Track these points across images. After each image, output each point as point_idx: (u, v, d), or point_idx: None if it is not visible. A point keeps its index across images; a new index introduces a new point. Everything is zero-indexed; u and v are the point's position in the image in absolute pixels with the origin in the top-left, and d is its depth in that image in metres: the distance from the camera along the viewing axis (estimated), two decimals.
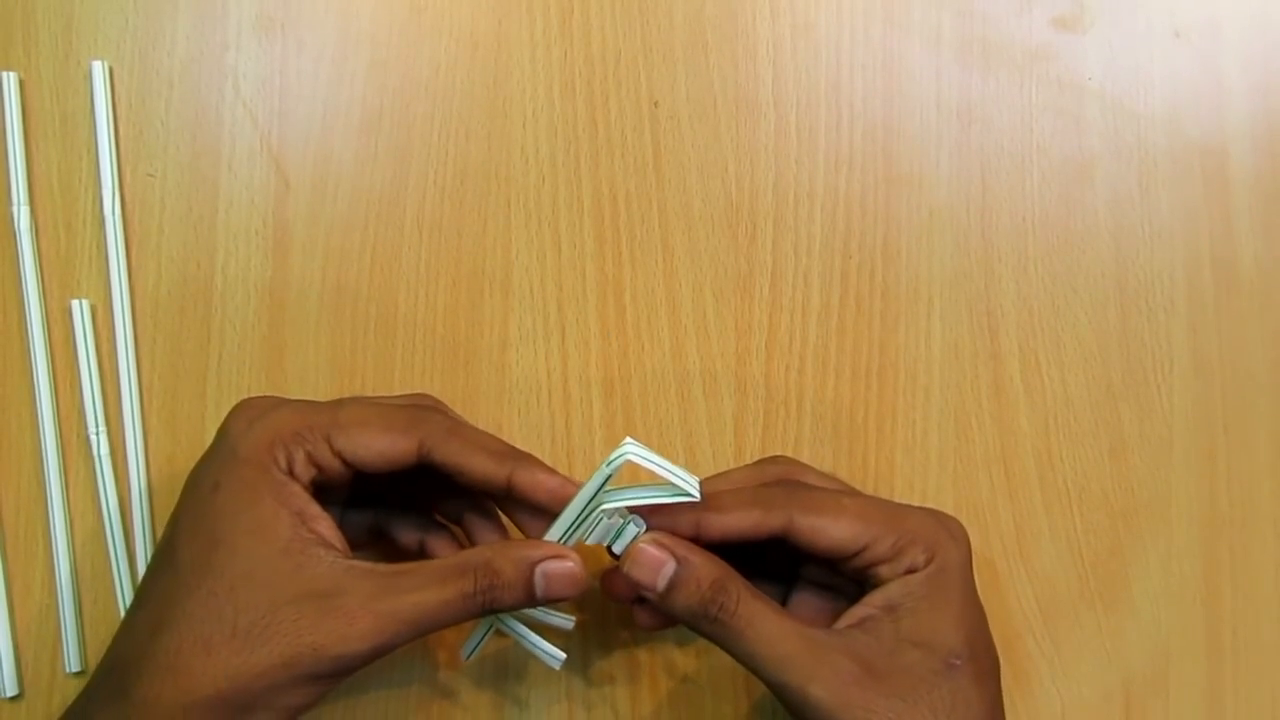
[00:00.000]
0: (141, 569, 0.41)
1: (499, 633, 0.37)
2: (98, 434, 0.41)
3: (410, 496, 0.38)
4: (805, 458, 0.41)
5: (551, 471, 0.35)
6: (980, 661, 0.34)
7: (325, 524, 0.34)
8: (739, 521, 0.35)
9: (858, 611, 0.35)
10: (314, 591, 0.32)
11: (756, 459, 0.40)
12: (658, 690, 0.41)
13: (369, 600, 0.32)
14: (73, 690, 0.40)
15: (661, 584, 0.34)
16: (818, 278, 0.42)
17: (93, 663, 0.41)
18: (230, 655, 0.31)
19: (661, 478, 0.34)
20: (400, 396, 0.38)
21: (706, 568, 0.34)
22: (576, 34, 0.43)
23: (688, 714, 0.41)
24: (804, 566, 0.37)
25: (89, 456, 0.41)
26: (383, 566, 0.33)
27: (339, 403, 0.36)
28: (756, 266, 0.42)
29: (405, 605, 0.32)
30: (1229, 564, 0.42)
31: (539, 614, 0.37)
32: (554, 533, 0.35)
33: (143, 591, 0.34)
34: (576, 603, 0.41)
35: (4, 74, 0.41)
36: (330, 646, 0.31)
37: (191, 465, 0.41)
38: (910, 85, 0.43)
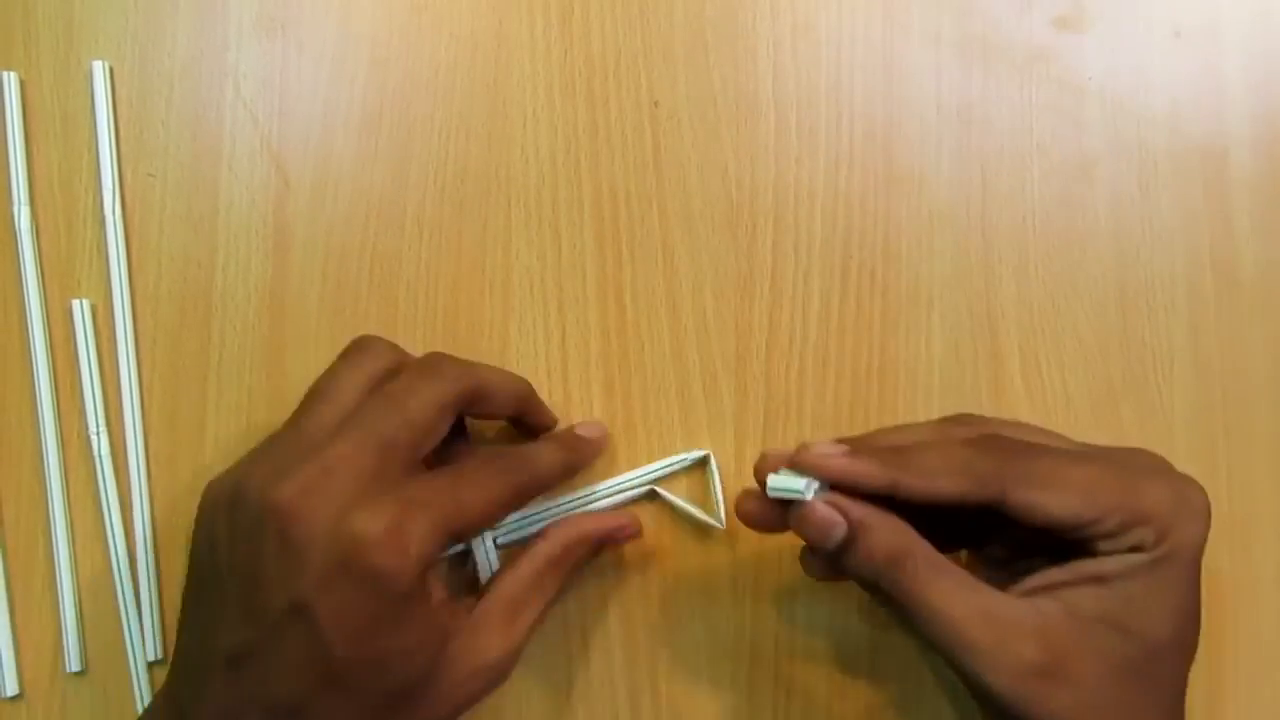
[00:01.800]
0: (141, 569, 0.41)
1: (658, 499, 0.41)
2: (98, 434, 0.41)
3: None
4: None
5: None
6: (1183, 650, 0.32)
7: (438, 587, 0.34)
8: (945, 488, 0.31)
9: (1057, 575, 0.31)
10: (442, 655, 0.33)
11: (941, 418, 0.37)
12: (658, 686, 0.41)
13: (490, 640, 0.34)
14: (73, 690, 0.41)
15: (831, 544, 0.32)
16: (818, 278, 0.42)
17: (93, 663, 0.41)
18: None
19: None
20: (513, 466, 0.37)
21: (882, 535, 0.31)
22: (576, 34, 0.43)
23: (685, 710, 0.41)
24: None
25: (89, 456, 0.41)
26: (477, 607, 0.35)
27: (456, 480, 0.34)
28: (756, 266, 0.42)
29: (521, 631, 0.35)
30: (1229, 564, 0.41)
31: (689, 509, 0.40)
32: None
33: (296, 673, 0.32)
34: (575, 586, 0.41)
35: (4, 74, 0.42)
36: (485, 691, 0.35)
37: (191, 465, 0.41)
38: (910, 85, 0.43)
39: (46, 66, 0.42)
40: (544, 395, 0.42)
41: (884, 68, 0.43)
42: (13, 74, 0.42)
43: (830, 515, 0.31)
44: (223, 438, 0.41)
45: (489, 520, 0.35)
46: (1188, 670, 0.32)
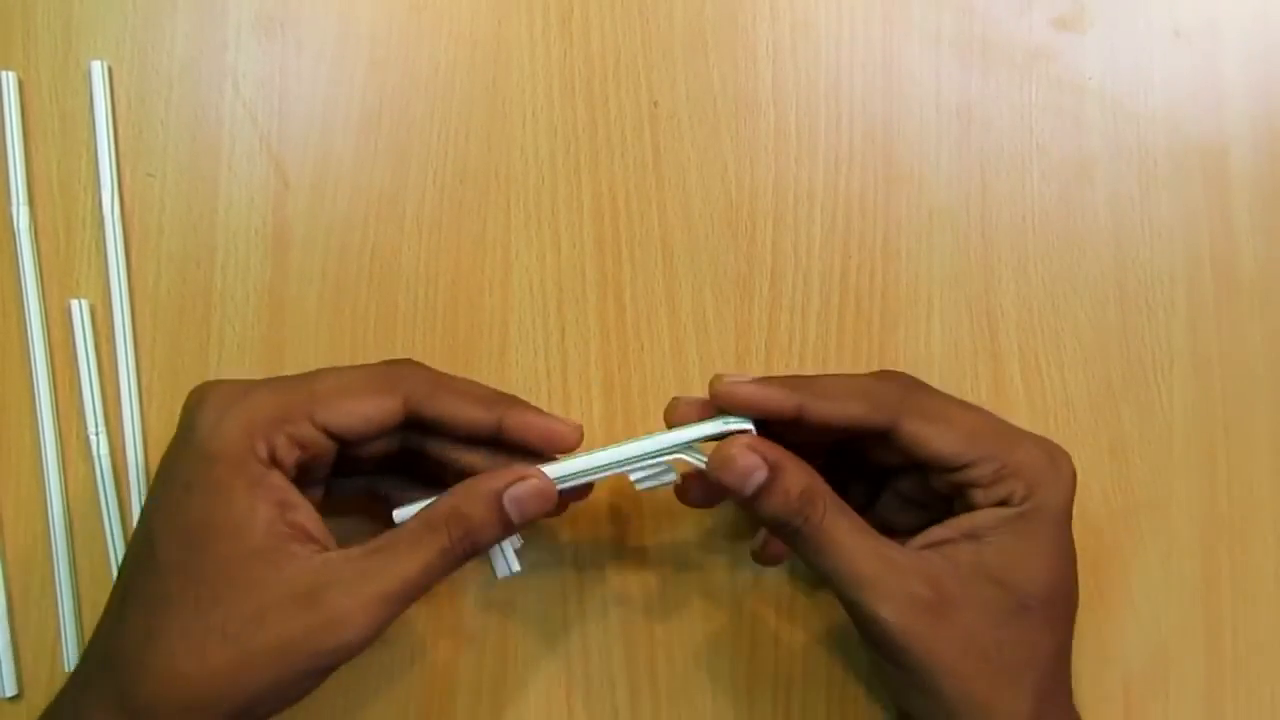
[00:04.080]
0: None
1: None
2: (97, 434, 0.41)
3: (394, 458, 0.37)
4: None
5: (540, 413, 0.35)
6: (1055, 607, 0.34)
7: (305, 512, 0.33)
8: (844, 410, 0.34)
9: (938, 533, 0.34)
10: (297, 593, 0.32)
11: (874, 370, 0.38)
12: (658, 685, 0.41)
13: (354, 589, 0.32)
14: None
15: (750, 489, 0.33)
16: (818, 278, 0.42)
17: None
18: (225, 660, 0.31)
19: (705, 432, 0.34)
20: (376, 364, 0.36)
21: (797, 476, 0.33)
22: (576, 34, 0.43)
23: (685, 709, 0.41)
24: (897, 478, 0.38)
25: (89, 456, 0.41)
26: (356, 549, 0.33)
27: (312, 375, 0.35)
28: (756, 266, 0.42)
29: (390, 583, 0.32)
30: (1229, 564, 0.42)
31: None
32: (600, 458, 0.34)
33: (128, 587, 0.33)
34: (575, 586, 0.41)
35: (4, 74, 0.41)
36: (326, 643, 0.31)
37: None
38: (910, 85, 0.43)
39: (45, 66, 0.42)
40: (544, 395, 0.41)
41: (884, 67, 0.43)
42: (11, 74, 0.42)
43: (752, 460, 0.33)
44: None
45: (352, 415, 0.34)
46: (1065, 628, 0.35)
